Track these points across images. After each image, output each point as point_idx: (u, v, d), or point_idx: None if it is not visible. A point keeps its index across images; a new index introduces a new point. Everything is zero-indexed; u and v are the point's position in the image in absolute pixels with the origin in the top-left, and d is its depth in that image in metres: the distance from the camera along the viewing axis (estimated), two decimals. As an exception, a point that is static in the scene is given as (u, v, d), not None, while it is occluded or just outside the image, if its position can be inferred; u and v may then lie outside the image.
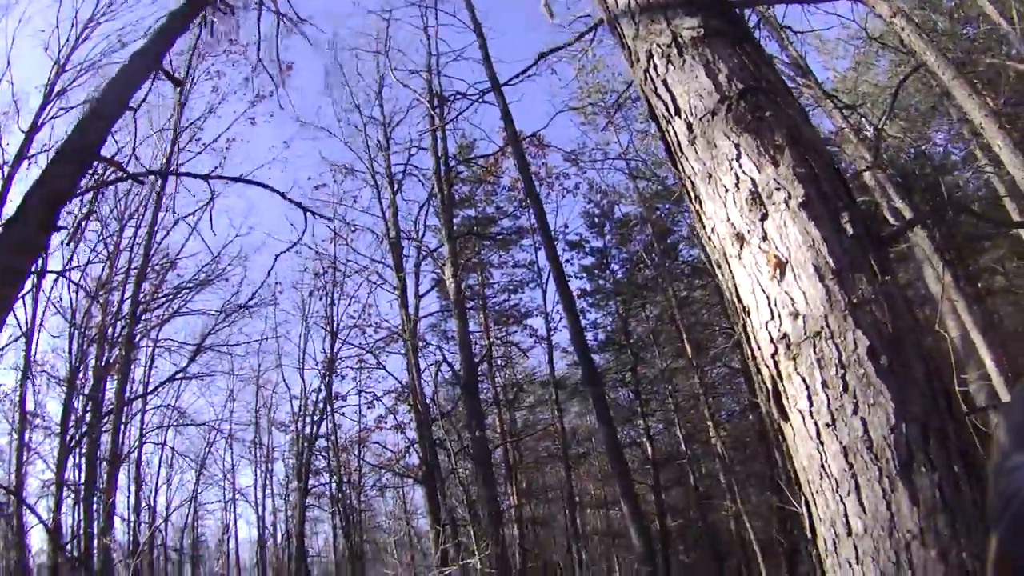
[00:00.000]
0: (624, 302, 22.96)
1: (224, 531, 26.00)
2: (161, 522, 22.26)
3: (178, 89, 14.62)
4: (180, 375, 18.71)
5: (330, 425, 20.68)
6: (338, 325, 19.98)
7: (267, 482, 24.79)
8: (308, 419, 20.89)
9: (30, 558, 15.71)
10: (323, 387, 20.43)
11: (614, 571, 29.10)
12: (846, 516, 1.57)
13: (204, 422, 18.03)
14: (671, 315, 19.84)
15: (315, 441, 20.76)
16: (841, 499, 1.58)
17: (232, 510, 26.06)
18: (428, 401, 15.44)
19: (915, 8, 13.09)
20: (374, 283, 18.39)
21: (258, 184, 7.68)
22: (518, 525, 20.50)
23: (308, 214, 7.20)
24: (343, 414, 21.02)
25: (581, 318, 22.41)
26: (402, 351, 16.62)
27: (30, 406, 16.31)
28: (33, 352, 15.50)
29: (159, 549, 22.27)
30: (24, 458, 15.41)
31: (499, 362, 22.52)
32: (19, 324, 14.67)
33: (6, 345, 14.83)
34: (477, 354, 17.92)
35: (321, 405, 20.49)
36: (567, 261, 23.40)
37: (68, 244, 15.13)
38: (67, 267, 15.36)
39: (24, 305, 14.31)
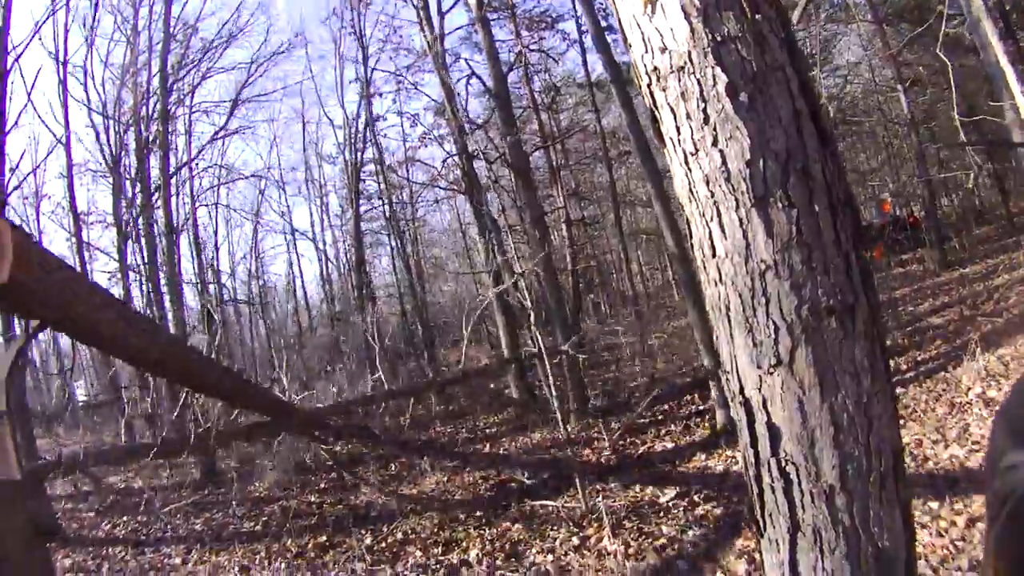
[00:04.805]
0: None
1: (289, 273, 26.97)
2: (227, 279, 23.32)
3: None
4: (221, 133, 18.89)
5: (375, 149, 21.02)
6: (368, 49, 19.64)
7: (323, 216, 25.73)
8: (353, 147, 21.30)
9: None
10: (363, 112, 20.50)
11: (666, 269, 30.56)
12: (711, 239, 1.69)
13: (253, 173, 18.41)
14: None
15: (363, 167, 21.36)
16: (707, 223, 1.69)
17: (295, 251, 26.92)
18: (463, 113, 15.28)
19: None
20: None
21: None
22: (567, 227, 21.21)
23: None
24: (386, 136, 21.28)
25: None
26: (432, 69, 16.14)
27: (83, 207, 16.50)
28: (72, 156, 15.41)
29: (229, 304, 23.34)
30: (86, 256, 16.05)
31: (535, 67, 21.72)
32: (53, 134, 14.74)
33: (48, 153, 15.00)
34: (507, 63, 17.44)
35: (364, 129, 20.75)
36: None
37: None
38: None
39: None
